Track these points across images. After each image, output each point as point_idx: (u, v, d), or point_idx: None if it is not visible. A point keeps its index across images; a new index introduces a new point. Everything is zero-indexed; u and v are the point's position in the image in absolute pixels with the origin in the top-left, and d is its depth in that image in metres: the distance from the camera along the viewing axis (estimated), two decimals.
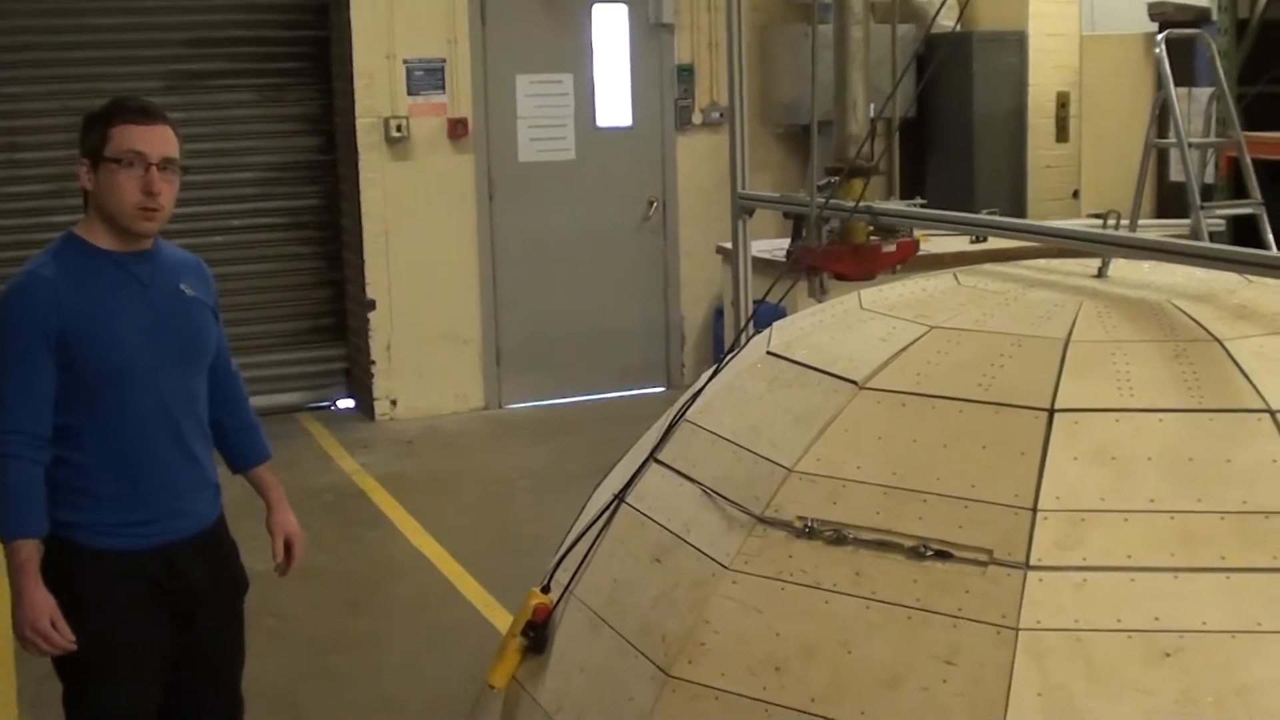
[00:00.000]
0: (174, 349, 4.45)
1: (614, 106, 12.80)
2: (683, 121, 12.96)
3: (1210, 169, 10.64)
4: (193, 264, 4.67)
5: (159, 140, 4.35)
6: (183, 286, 4.53)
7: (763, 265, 8.40)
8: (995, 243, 9.21)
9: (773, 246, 9.45)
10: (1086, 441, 3.79)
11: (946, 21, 11.40)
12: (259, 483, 4.93)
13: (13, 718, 6.87)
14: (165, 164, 4.35)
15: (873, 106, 7.05)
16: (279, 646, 7.29)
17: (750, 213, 7.21)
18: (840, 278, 6.74)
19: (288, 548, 4.92)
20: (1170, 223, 10.35)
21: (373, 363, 12.19)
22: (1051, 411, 3.85)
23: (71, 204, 11.74)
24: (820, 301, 6.18)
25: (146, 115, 4.37)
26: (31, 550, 4.24)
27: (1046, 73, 13.02)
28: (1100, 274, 4.81)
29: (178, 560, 4.49)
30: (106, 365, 4.30)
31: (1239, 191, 9.16)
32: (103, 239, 4.39)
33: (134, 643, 4.43)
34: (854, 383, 4.22)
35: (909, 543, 3.76)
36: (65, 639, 4.26)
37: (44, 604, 4.23)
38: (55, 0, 11.55)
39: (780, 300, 5.93)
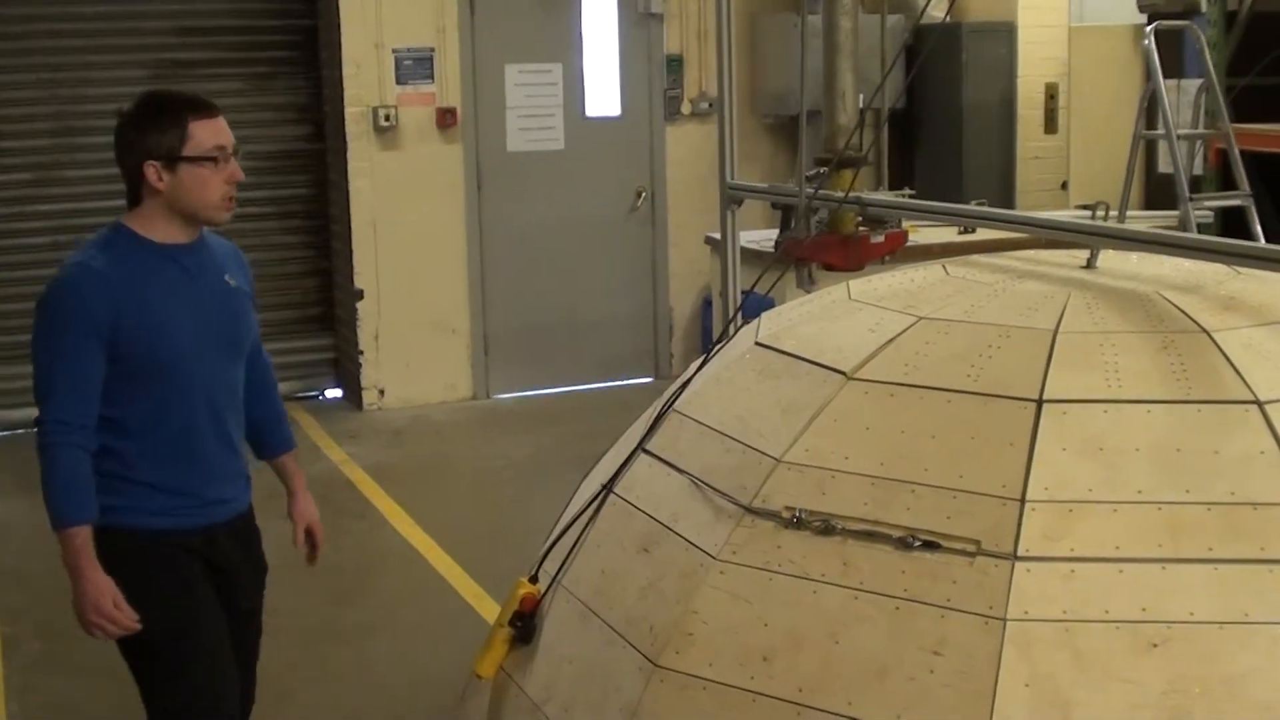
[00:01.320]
0: (220, 340, 4.46)
1: (603, 96, 12.78)
2: (672, 112, 12.94)
3: (1199, 161, 10.65)
4: (232, 252, 4.68)
5: (227, 129, 4.41)
6: (227, 277, 4.54)
7: (751, 256, 8.40)
8: (984, 234, 9.21)
9: (761, 237, 9.45)
10: (1075, 432, 3.80)
11: (936, 12, 11.41)
12: (283, 471, 4.95)
13: None
14: (235, 151, 4.42)
15: (862, 97, 7.06)
16: (267, 636, 7.21)
17: (739, 203, 7.20)
18: (829, 268, 6.75)
19: (310, 535, 4.96)
20: (1159, 214, 10.36)
21: (360, 352, 12.17)
22: (1040, 402, 3.86)
23: (55, 193, 11.72)
24: (809, 292, 6.18)
25: (209, 107, 4.41)
26: (86, 536, 4.25)
27: (1035, 64, 13.02)
28: (1089, 265, 4.82)
29: (218, 541, 4.53)
30: (156, 357, 4.31)
31: (1228, 183, 9.16)
32: (159, 232, 4.39)
33: (201, 616, 4.45)
34: (842, 373, 4.22)
35: (897, 533, 3.77)
36: (129, 619, 4.27)
37: (105, 585, 4.25)
38: None
39: (768, 291, 5.94)
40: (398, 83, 12.03)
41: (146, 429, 4.35)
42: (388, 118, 11.92)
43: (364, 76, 11.91)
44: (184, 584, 4.43)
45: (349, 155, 11.94)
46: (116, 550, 4.35)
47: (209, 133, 4.32)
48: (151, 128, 4.34)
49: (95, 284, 4.28)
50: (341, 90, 11.89)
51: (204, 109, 4.37)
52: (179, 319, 4.35)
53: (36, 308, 4.37)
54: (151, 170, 4.32)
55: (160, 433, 4.37)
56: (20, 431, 10.65)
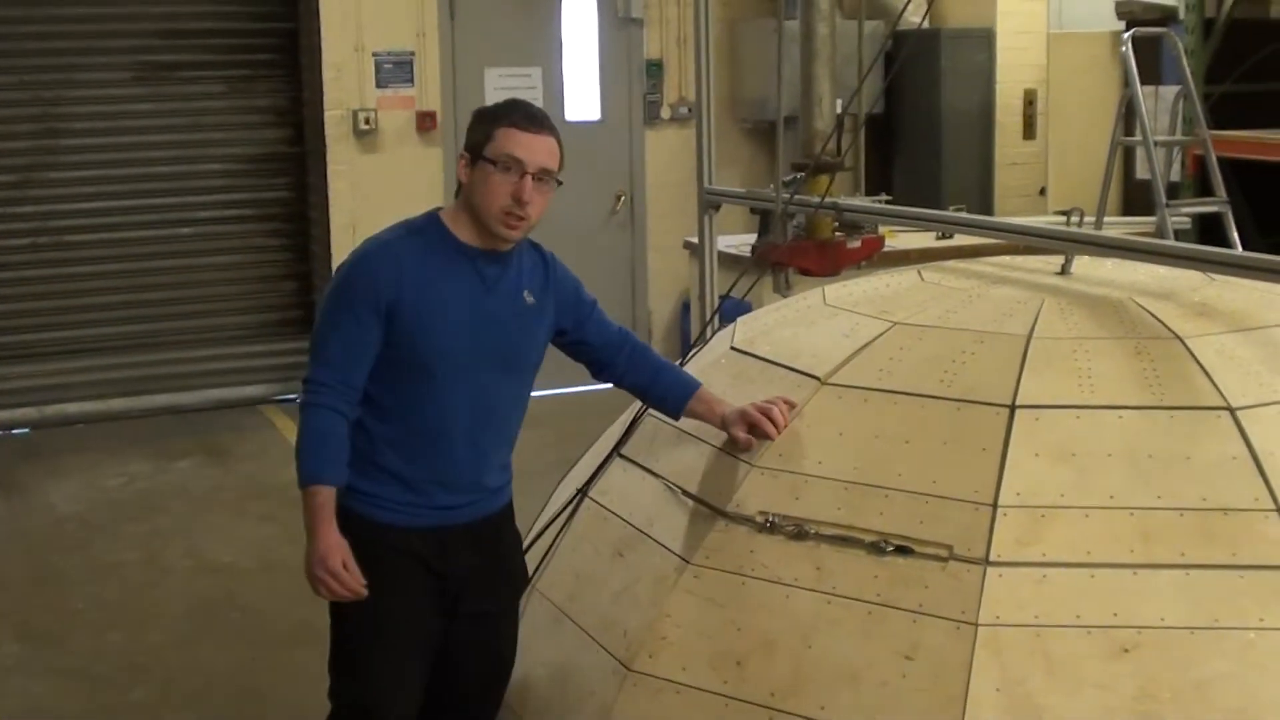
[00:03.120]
0: (496, 355, 4.38)
1: (583, 101, 12.78)
2: (651, 116, 12.95)
3: (1177, 167, 10.67)
4: (541, 265, 4.58)
5: (541, 150, 4.32)
6: (526, 293, 4.46)
7: (729, 260, 8.42)
8: (961, 239, 9.24)
9: (740, 242, 9.46)
10: (1047, 438, 3.81)
11: (914, 18, 11.43)
12: (701, 415, 4.52)
13: None
14: (542, 174, 4.31)
15: (840, 103, 7.07)
16: (243, 639, 7.28)
17: (717, 208, 7.22)
18: (805, 273, 6.76)
19: (761, 421, 4.31)
20: (1137, 220, 10.40)
21: None
22: (1013, 408, 3.87)
23: (36, 194, 11.67)
24: (785, 297, 6.20)
25: (534, 123, 4.35)
26: (328, 496, 4.24)
27: (1014, 70, 13.04)
28: (1063, 271, 4.84)
29: (448, 544, 4.40)
30: (423, 353, 4.28)
31: (1205, 190, 9.19)
32: (464, 232, 4.38)
33: (396, 615, 4.38)
34: (816, 378, 4.24)
35: (870, 538, 3.78)
36: (355, 582, 4.24)
37: (337, 545, 4.22)
38: None
39: (745, 295, 5.95)
40: (378, 86, 12.02)
41: (398, 418, 4.33)
42: (367, 121, 11.92)
43: (344, 80, 11.90)
44: (388, 591, 4.33)
45: (328, 158, 11.92)
46: (343, 530, 4.32)
47: (511, 141, 4.29)
48: (476, 123, 4.39)
49: (389, 262, 4.31)
50: (321, 93, 11.88)
51: (521, 120, 4.34)
52: (454, 322, 4.31)
53: (335, 272, 4.44)
54: (461, 162, 4.39)
55: (409, 425, 4.33)
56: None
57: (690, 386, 4.54)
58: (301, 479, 4.27)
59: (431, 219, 4.46)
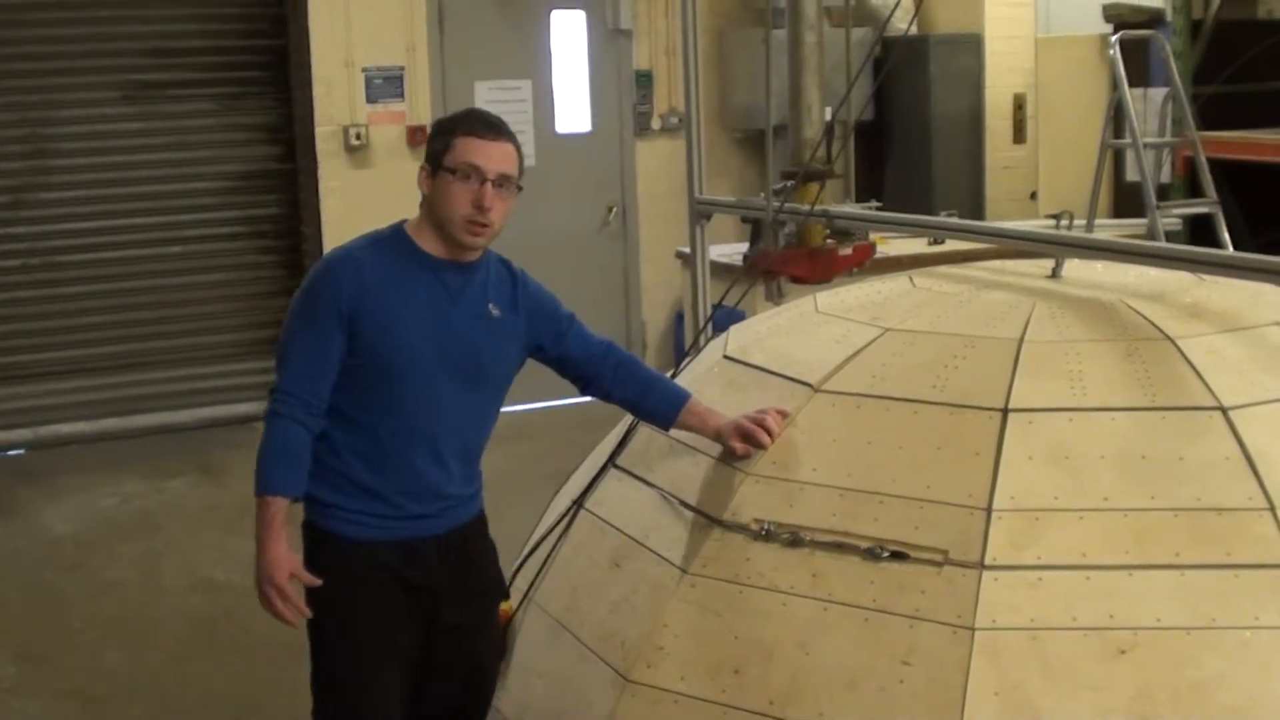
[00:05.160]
0: (460, 367, 4.39)
1: (573, 112, 12.79)
2: (641, 127, 12.95)
3: (1167, 169, 10.68)
4: (510, 281, 4.62)
5: (498, 156, 4.35)
6: (491, 306, 4.48)
7: (721, 270, 8.41)
8: (953, 244, 9.23)
9: (732, 251, 9.45)
10: (1040, 441, 3.82)
11: (902, 24, 11.45)
12: (693, 427, 4.50)
13: None
14: (501, 180, 4.34)
15: (828, 110, 7.08)
16: (240, 656, 7.28)
17: (708, 217, 7.23)
18: (797, 281, 6.77)
19: (754, 431, 4.30)
20: (1127, 222, 10.40)
21: None
22: (1005, 411, 3.88)
23: (28, 215, 11.64)
24: (777, 305, 6.21)
25: (491, 130, 4.38)
26: (281, 508, 4.25)
27: (1003, 75, 13.06)
28: (1054, 275, 4.84)
29: (419, 555, 4.40)
30: (385, 363, 4.29)
31: (1195, 191, 9.20)
32: (427, 242, 4.40)
33: (371, 630, 4.38)
34: (809, 385, 4.24)
35: (865, 544, 3.78)
36: (298, 602, 4.26)
37: (282, 560, 4.24)
38: (11, 11, 11.50)
39: (738, 303, 5.96)
40: (368, 101, 12.02)
41: (362, 427, 4.33)
42: (358, 136, 11.92)
43: (334, 95, 11.90)
44: (361, 606, 4.36)
45: (320, 174, 11.92)
46: (314, 548, 4.38)
47: (469, 149, 4.32)
48: (435, 134, 4.44)
49: (350, 270, 4.31)
50: (312, 109, 11.87)
51: (479, 129, 4.38)
52: (417, 330, 4.32)
53: (301, 283, 4.46)
54: (422, 173, 4.41)
55: (374, 436, 4.33)
56: None
57: (681, 399, 4.53)
58: (258, 488, 4.29)
59: (396, 230, 4.47)
